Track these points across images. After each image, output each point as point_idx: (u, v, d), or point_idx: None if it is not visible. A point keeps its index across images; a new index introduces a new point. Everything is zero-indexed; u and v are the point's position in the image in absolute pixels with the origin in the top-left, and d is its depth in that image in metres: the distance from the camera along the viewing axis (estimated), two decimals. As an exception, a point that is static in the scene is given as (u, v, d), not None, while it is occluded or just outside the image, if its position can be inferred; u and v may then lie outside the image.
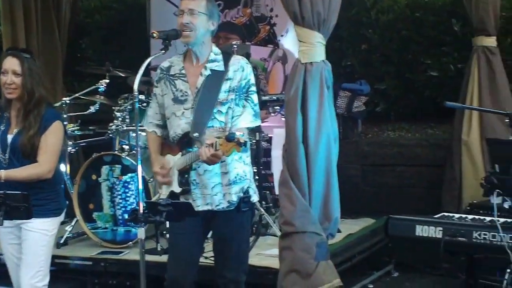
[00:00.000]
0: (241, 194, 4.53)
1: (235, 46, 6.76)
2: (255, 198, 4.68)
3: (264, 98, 6.93)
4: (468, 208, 6.26)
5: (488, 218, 4.59)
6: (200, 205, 4.50)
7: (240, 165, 4.54)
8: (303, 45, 4.59)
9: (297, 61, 4.62)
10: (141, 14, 9.65)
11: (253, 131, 6.49)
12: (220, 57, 4.60)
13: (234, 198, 4.51)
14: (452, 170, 7.20)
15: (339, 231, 6.76)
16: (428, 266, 7.16)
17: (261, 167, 6.95)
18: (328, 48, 7.28)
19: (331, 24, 4.67)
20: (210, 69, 4.54)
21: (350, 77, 8.76)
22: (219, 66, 4.56)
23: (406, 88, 8.70)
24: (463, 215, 4.85)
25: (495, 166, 4.33)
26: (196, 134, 4.43)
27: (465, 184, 7.00)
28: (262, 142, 6.99)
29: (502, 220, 4.38)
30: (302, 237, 4.53)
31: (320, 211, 4.58)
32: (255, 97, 4.56)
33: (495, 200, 4.23)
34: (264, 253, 5.95)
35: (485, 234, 4.35)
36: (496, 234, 4.27)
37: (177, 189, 4.50)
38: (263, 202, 6.79)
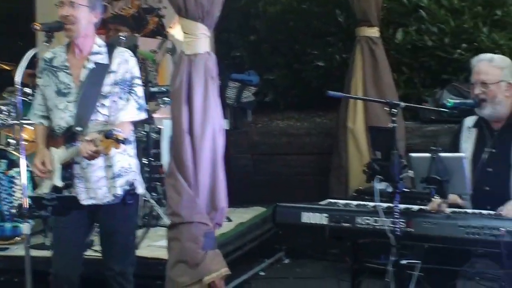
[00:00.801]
0: (127, 187, 4.48)
1: (123, 38, 6.67)
2: (141, 190, 4.64)
3: (153, 89, 6.87)
4: (355, 194, 6.37)
5: (371, 204, 4.65)
6: (84, 199, 4.43)
7: (125, 158, 4.48)
8: (187, 37, 4.55)
9: (182, 52, 4.58)
10: (28, 6, 9.39)
11: (142, 122, 6.44)
12: (104, 49, 4.51)
13: (119, 191, 4.45)
14: (339, 157, 7.30)
15: (230, 220, 6.81)
16: (318, 251, 7.26)
17: (151, 159, 6.90)
18: (217, 39, 7.24)
19: (215, 15, 4.63)
20: (94, 62, 4.45)
21: (239, 68, 8.78)
22: (103, 58, 4.47)
23: (294, 78, 8.79)
24: (348, 202, 4.89)
25: (377, 153, 4.39)
26: (79, 128, 4.33)
27: (351, 171, 7.11)
28: (152, 134, 6.92)
29: (385, 205, 4.44)
30: (189, 227, 4.51)
31: (207, 201, 4.56)
32: (139, 90, 4.49)
33: (377, 186, 4.28)
34: (155, 245, 5.91)
35: (367, 219, 4.39)
36: (378, 219, 4.34)
37: (59, 183, 4.38)
38: (154, 194, 6.74)
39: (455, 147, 4.92)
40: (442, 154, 4.19)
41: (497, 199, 4.61)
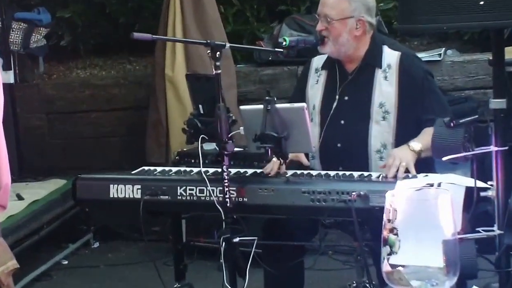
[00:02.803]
0: None
1: None
2: None
3: None
4: (177, 157, 6.34)
5: (196, 170, 4.63)
6: None
7: None
8: None
9: None
10: None
11: None
12: None
13: None
14: (156, 112, 7.21)
15: (21, 198, 6.65)
16: (137, 231, 7.21)
17: None
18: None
19: None
20: None
21: (26, 5, 8.52)
22: None
23: (96, 15, 8.65)
24: (167, 168, 4.86)
25: (199, 107, 4.33)
26: None
27: (172, 129, 7.04)
28: None
29: (212, 170, 4.44)
30: (-38, 213, 4.34)
31: (-15, 179, 4.39)
32: None
33: (200, 147, 4.24)
34: None
35: (191, 190, 4.34)
36: (204, 188, 4.30)
37: None
38: None
39: (301, 95, 4.94)
40: (279, 105, 4.19)
41: (351, 158, 4.67)
